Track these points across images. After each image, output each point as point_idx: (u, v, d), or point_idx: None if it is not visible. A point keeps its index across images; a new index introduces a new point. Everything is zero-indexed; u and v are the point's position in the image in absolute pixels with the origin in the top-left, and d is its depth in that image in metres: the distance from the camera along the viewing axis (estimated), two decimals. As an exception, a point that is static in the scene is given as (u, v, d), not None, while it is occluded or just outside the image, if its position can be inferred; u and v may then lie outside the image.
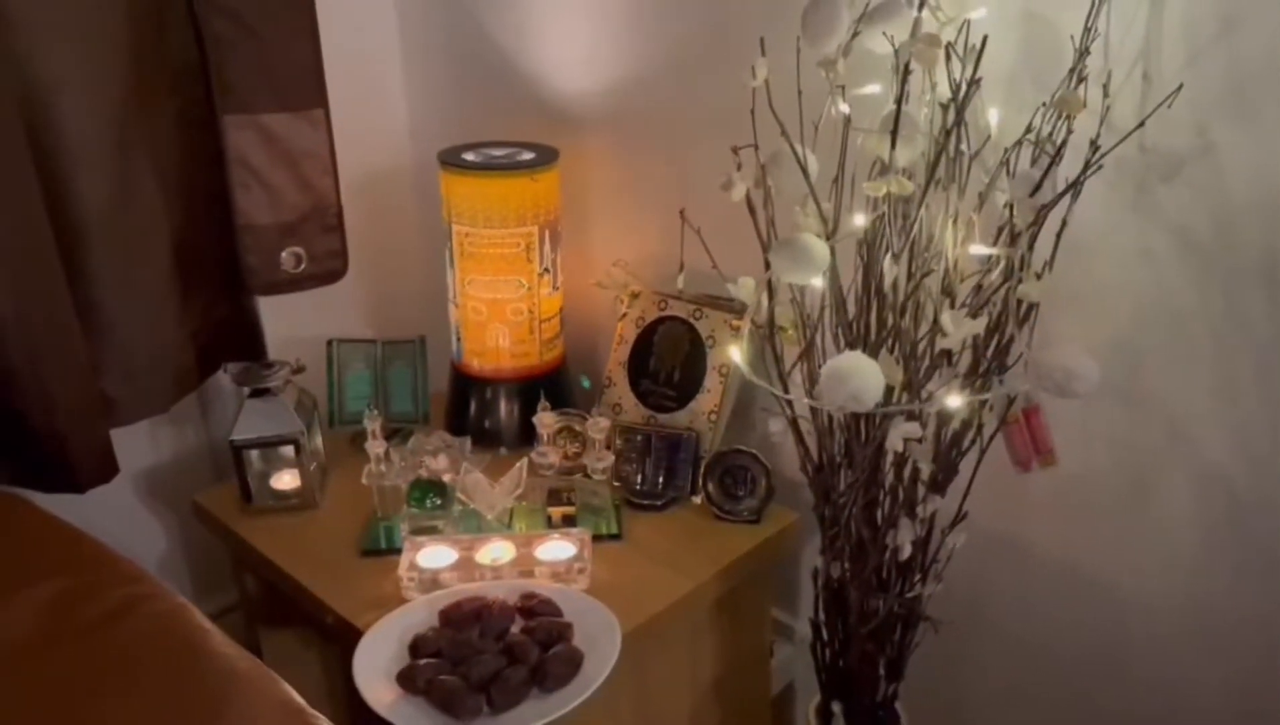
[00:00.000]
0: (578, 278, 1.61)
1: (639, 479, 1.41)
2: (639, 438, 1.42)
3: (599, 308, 1.62)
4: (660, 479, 1.41)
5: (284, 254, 1.61)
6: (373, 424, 1.33)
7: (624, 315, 1.50)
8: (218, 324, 1.64)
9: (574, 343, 1.64)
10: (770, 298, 1.00)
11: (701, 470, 1.38)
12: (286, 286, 1.63)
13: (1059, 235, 0.98)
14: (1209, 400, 1.07)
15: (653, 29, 1.41)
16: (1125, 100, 1.01)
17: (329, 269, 1.67)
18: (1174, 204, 1.03)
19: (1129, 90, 1.00)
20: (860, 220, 0.93)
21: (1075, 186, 0.92)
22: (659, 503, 1.40)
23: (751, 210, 0.97)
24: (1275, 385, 1.02)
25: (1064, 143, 0.94)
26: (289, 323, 1.68)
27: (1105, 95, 0.97)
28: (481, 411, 1.57)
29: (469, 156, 1.48)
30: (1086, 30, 0.97)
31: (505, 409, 1.57)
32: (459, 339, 1.55)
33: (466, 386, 1.57)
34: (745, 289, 0.99)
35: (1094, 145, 0.94)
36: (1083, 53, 0.96)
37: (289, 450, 1.39)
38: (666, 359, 1.47)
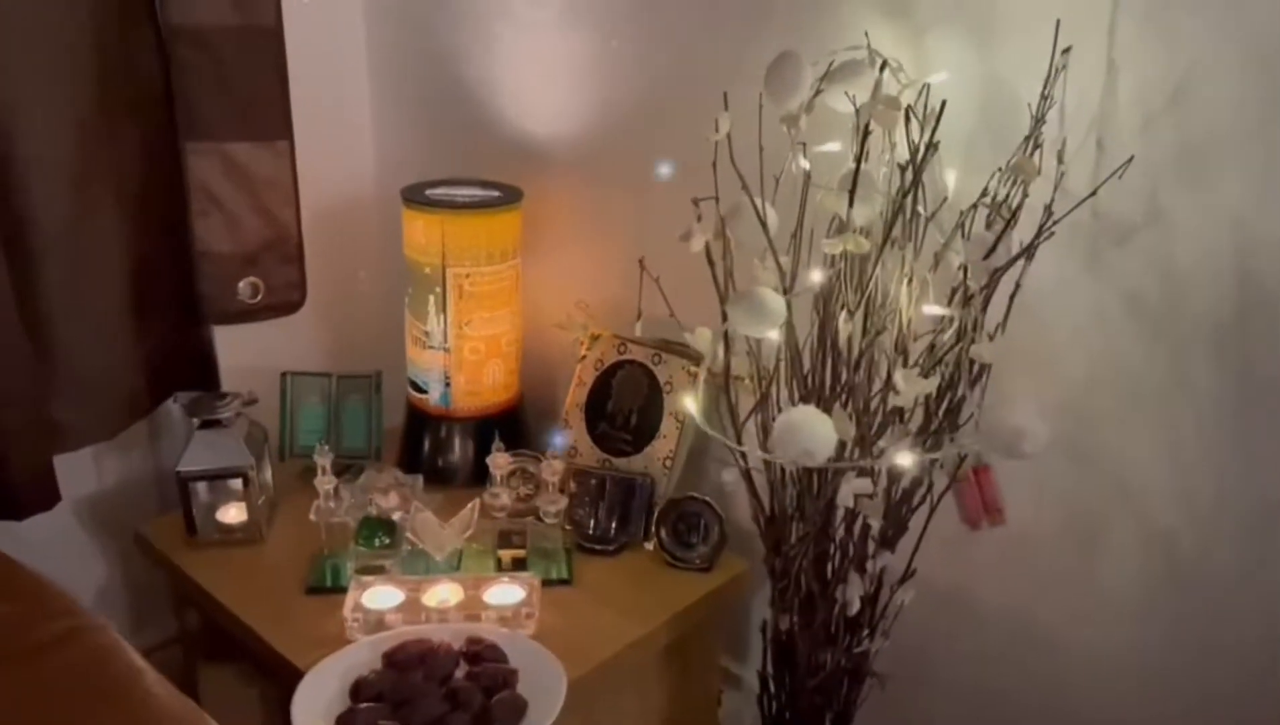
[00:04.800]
0: (534, 319, 1.60)
1: (592, 523, 1.40)
2: (593, 481, 1.41)
3: (554, 349, 1.62)
4: (614, 524, 1.40)
5: (241, 283, 1.60)
6: (323, 459, 1.31)
7: (583, 357, 1.50)
8: (171, 351, 1.61)
9: (531, 384, 1.63)
10: (727, 349, 1.00)
11: (655, 516, 1.38)
12: (243, 316, 1.62)
13: (1012, 297, 0.99)
14: (1155, 460, 1.09)
15: (619, 77, 1.42)
16: (1079, 167, 1.03)
17: (286, 300, 1.66)
18: (1125, 269, 1.05)
19: (1083, 157, 1.03)
20: (817, 276, 0.94)
21: (1028, 251, 0.94)
22: (611, 548, 1.39)
23: (710, 262, 0.98)
24: (1218, 446, 1.04)
25: (1019, 207, 0.96)
26: (243, 353, 1.66)
27: (1060, 162, 0.99)
28: (436, 449, 1.56)
29: (435, 194, 1.48)
30: (1043, 97, 0.99)
31: (460, 447, 1.55)
32: (447, 385, 1.52)
33: (421, 423, 1.56)
34: (702, 339, 0.99)
35: (1048, 210, 0.96)
36: (1039, 120, 0.98)
37: (237, 483, 1.37)
38: (624, 403, 1.46)
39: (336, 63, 1.72)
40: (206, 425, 1.36)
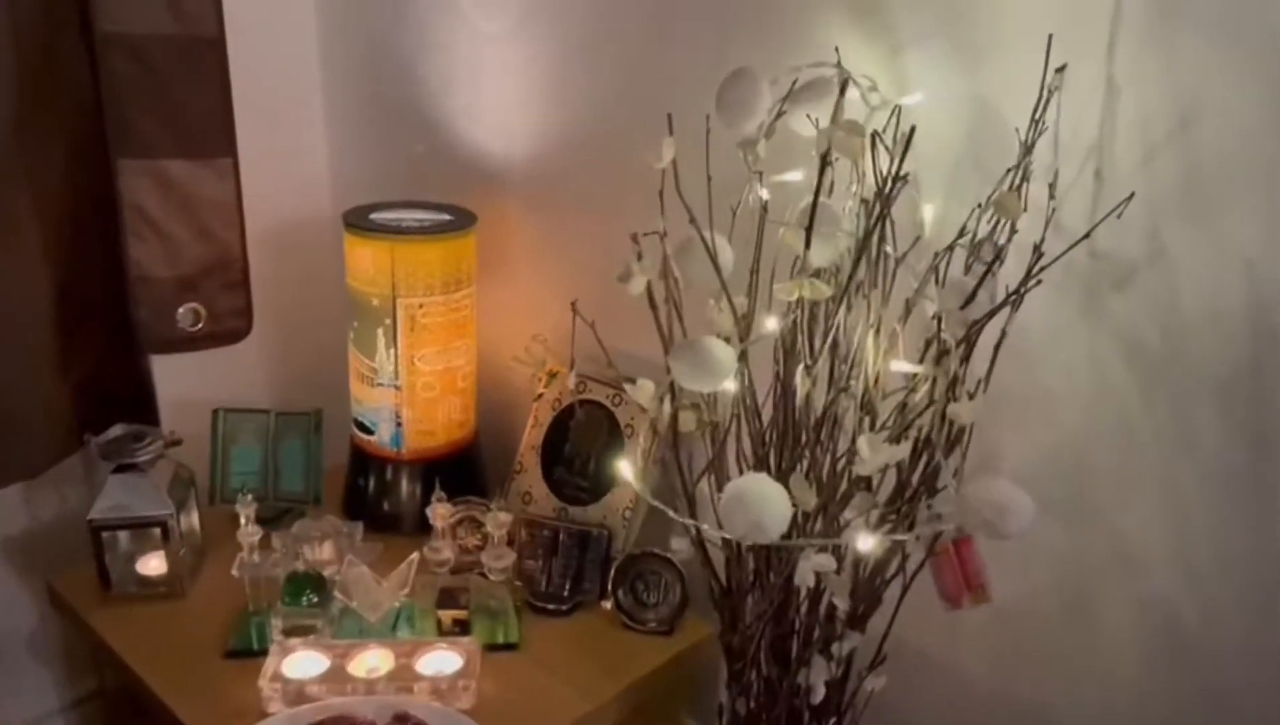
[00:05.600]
0: (490, 353, 1.49)
1: (544, 579, 1.29)
2: (546, 533, 1.29)
3: (512, 385, 1.50)
4: (567, 580, 1.28)
5: (181, 310, 1.49)
6: (245, 509, 1.20)
7: (540, 395, 1.38)
8: (104, 382, 1.51)
9: (488, 423, 1.52)
10: (674, 404, 0.89)
11: (612, 573, 1.26)
12: (183, 345, 1.51)
13: (997, 347, 0.87)
14: (1154, 519, 0.97)
15: (579, 93, 1.31)
16: (1075, 200, 0.91)
17: (231, 328, 1.55)
18: (1125, 314, 0.93)
19: (1080, 189, 0.91)
20: (772, 324, 0.82)
21: (1014, 298, 0.82)
22: (564, 607, 1.27)
23: (653, 306, 0.86)
24: (1222, 506, 0.93)
25: (1002, 248, 0.84)
26: (186, 384, 1.55)
27: (1051, 196, 0.87)
28: (382, 493, 1.44)
29: (381, 218, 1.37)
30: (1034, 123, 0.87)
31: (408, 491, 1.44)
32: (398, 424, 1.41)
33: (366, 466, 1.44)
34: (644, 393, 0.88)
35: (1037, 251, 0.84)
36: (1028, 148, 0.87)
37: (157, 532, 1.25)
38: (582, 446, 1.35)
39: (288, 75, 1.61)
40: (122, 469, 1.24)
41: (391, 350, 1.38)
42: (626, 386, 0.88)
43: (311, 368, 1.68)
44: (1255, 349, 0.87)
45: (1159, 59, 0.85)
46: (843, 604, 0.88)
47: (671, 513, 0.85)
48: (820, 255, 0.79)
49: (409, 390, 1.39)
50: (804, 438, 0.85)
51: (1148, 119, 0.87)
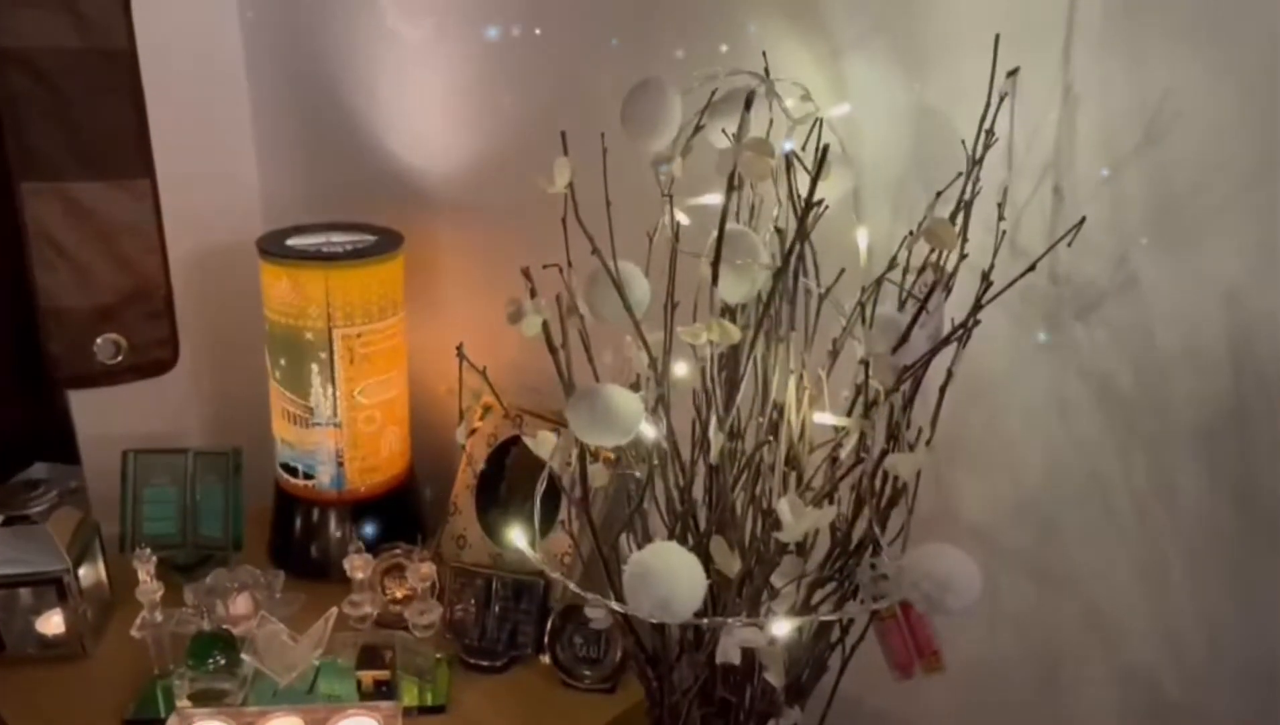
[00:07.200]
0: (420, 384, 1.39)
1: (477, 632, 1.18)
2: (479, 582, 1.19)
3: (448, 419, 1.40)
4: (502, 633, 1.18)
5: (100, 341, 1.40)
6: (144, 564, 1.10)
7: (474, 431, 1.28)
8: (17, 421, 1.42)
9: (425, 461, 1.42)
10: (582, 459, 0.79)
11: (549, 625, 1.16)
12: (102, 379, 1.42)
13: (943, 390, 0.77)
14: (1133, 580, 0.87)
15: (508, 114, 1.21)
16: (1032, 220, 0.81)
17: (154, 359, 1.46)
18: (1092, 346, 0.83)
19: (1036, 208, 0.81)
20: (682, 370, 0.72)
21: (958, 334, 0.72)
22: (499, 663, 1.17)
23: (552, 348, 0.76)
24: (1207, 567, 0.83)
25: (949, 277, 0.74)
26: (109, 420, 1.45)
27: (1001, 217, 0.77)
28: (309, 537, 1.34)
29: (299, 244, 1.27)
30: (983, 133, 0.77)
31: (342, 534, 1.33)
32: (340, 465, 1.30)
33: (292, 510, 1.34)
34: (544, 446, 0.78)
35: (985, 278, 0.74)
36: (976, 161, 0.77)
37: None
38: (519, 486, 1.25)
39: (213, 90, 1.51)
40: (13, 521, 1.14)
41: (329, 386, 1.27)
42: (525, 439, 0.78)
43: (245, 399, 1.58)
44: (1239, 390, 0.77)
45: (1123, 63, 0.75)
46: (776, 680, 0.77)
47: (572, 585, 0.75)
48: (733, 291, 0.69)
49: (350, 427, 1.29)
50: (728, 496, 0.75)
51: (1112, 130, 0.76)
